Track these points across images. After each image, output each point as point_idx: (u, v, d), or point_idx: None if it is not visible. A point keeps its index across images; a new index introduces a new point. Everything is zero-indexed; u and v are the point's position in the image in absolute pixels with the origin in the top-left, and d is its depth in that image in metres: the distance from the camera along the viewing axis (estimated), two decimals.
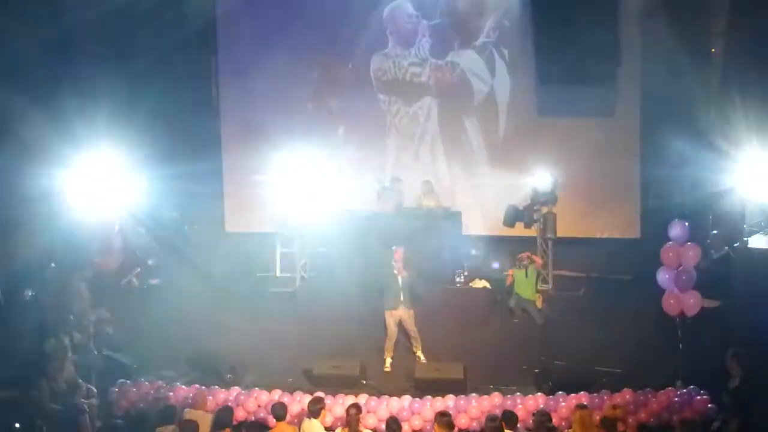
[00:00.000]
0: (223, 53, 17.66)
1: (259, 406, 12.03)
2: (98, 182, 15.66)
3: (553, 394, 11.89)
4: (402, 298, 13.34)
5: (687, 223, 12.22)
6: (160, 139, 16.83)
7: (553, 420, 11.03)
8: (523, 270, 14.99)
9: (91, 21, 14.83)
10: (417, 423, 11.75)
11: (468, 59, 16.94)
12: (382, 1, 17.12)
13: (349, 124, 17.64)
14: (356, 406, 10.62)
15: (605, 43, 14.26)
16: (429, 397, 12.02)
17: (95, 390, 12.03)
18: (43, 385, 11.47)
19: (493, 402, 11.77)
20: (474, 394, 12.01)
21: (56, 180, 14.49)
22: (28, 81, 14.28)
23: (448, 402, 11.84)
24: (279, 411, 10.51)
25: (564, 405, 11.59)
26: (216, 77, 17.88)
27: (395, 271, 13.40)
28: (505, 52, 16.75)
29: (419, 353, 13.52)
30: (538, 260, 15.49)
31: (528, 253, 15.11)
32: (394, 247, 13.67)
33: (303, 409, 11.52)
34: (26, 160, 14.42)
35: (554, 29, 14.44)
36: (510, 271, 15.16)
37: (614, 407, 10.98)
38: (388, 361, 13.45)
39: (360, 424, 10.56)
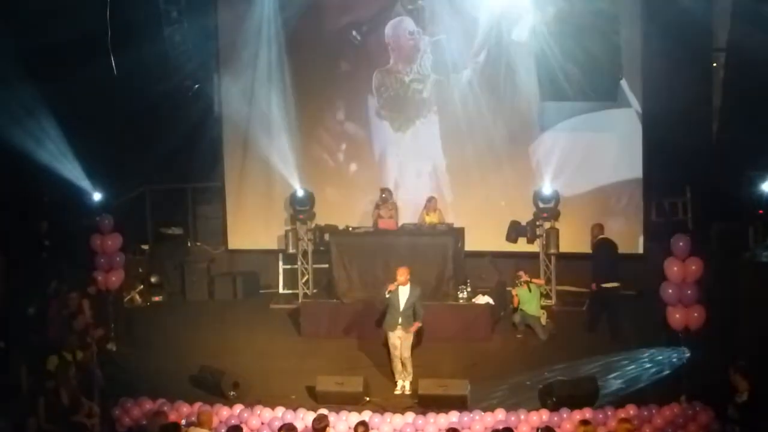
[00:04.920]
0: (226, 71, 17.68)
1: (262, 424, 11.99)
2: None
3: (556, 410, 11.84)
4: (401, 320, 13.00)
5: (689, 238, 12.21)
6: (162, 157, 16.91)
7: None
8: (526, 287, 14.99)
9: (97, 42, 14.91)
10: None
11: (470, 75, 16.92)
12: (383, 18, 17.11)
13: (351, 140, 17.65)
14: (364, 424, 10.57)
15: (607, 58, 14.27)
16: (433, 413, 11.98)
17: (98, 408, 12.00)
18: (41, 404, 11.43)
19: (497, 418, 11.72)
20: (478, 411, 11.97)
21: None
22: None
23: (452, 418, 11.80)
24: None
25: (568, 421, 11.54)
26: (219, 95, 17.92)
27: (395, 290, 12.98)
28: (507, 67, 16.74)
29: (404, 383, 13.07)
30: (539, 281, 15.53)
31: (527, 278, 15.09)
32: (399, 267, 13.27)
33: (306, 427, 11.48)
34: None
35: (556, 46, 14.45)
36: (514, 291, 15.15)
37: (630, 426, 10.90)
38: (400, 383, 13.11)
39: None
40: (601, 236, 15.33)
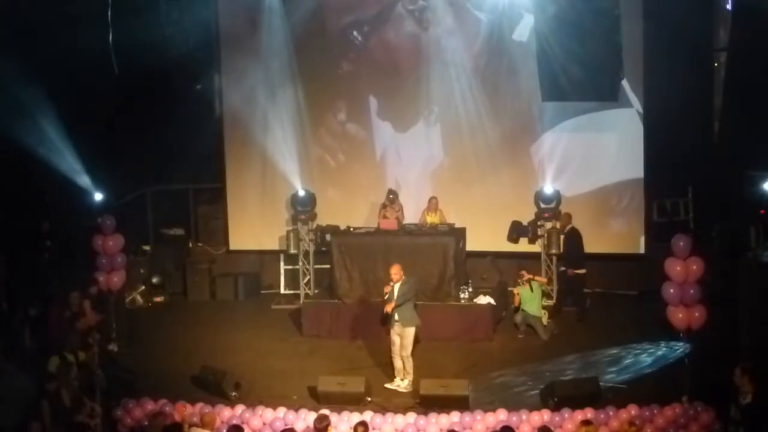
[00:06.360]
0: (227, 71, 17.70)
1: (264, 424, 11.99)
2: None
3: (558, 410, 11.84)
4: (396, 317, 12.99)
5: (690, 237, 12.20)
6: (164, 158, 16.94)
7: None
8: (528, 286, 14.99)
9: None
10: None
11: (471, 75, 16.91)
12: (384, 18, 17.08)
13: (352, 141, 17.66)
14: (363, 425, 10.57)
15: (608, 58, 14.25)
16: (434, 413, 11.98)
17: (99, 409, 12.00)
18: (44, 405, 11.44)
19: (498, 418, 11.72)
20: (479, 411, 11.97)
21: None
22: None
23: (454, 418, 11.80)
24: None
25: (569, 421, 11.54)
26: (220, 96, 17.95)
27: (389, 288, 13.02)
28: (508, 67, 16.74)
29: (401, 382, 13.04)
30: (542, 279, 15.50)
31: (529, 276, 15.10)
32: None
33: (308, 427, 11.49)
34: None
35: (557, 46, 14.43)
36: (516, 290, 15.14)
37: (631, 424, 10.91)
38: (396, 380, 13.10)
39: None
40: (571, 225, 15.86)
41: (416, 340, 13.24)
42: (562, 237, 16.08)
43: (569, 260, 15.83)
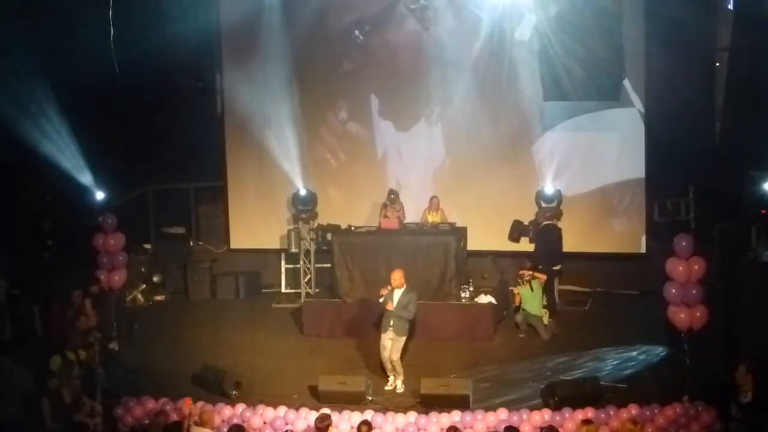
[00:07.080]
0: (229, 70, 17.70)
1: (264, 423, 11.99)
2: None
3: (558, 410, 11.84)
4: (391, 323, 12.93)
5: (692, 237, 12.20)
6: (165, 156, 16.94)
7: None
8: (528, 286, 14.98)
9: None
10: None
11: (472, 74, 16.90)
12: (385, 17, 17.07)
13: (353, 140, 17.66)
14: (367, 424, 10.58)
15: (609, 57, 14.25)
16: (435, 413, 11.98)
17: (100, 408, 12.01)
18: (45, 403, 11.46)
19: (499, 418, 11.73)
20: (480, 410, 11.97)
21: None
22: None
23: (455, 417, 11.80)
24: None
25: (570, 420, 11.54)
26: (221, 94, 17.96)
27: (390, 293, 12.92)
28: (510, 67, 16.72)
29: (396, 381, 13.03)
30: (542, 276, 15.46)
31: (530, 271, 15.10)
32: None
33: (309, 426, 11.50)
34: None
35: (558, 46, 14.43)
36: (516, 290, 15.14)
37: (633, 422, 10.91)
38: (391, 379, 13.09)
39: None
40: (549, 222, 15.69)
41: (404, 348, 13.22)
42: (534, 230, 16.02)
43: (541, 256, 15.56)
